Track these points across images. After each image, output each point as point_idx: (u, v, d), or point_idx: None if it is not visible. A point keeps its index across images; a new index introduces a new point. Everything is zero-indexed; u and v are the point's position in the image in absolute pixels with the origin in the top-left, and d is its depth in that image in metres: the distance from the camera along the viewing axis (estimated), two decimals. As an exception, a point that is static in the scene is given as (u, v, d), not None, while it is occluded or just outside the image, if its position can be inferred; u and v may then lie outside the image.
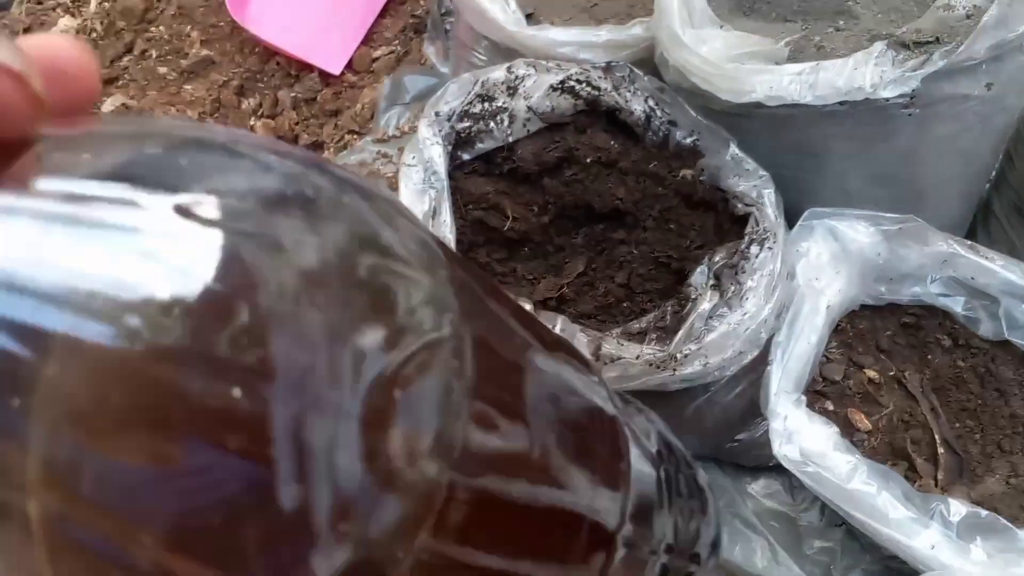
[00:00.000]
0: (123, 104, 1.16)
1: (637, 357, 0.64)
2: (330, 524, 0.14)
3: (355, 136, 1.11)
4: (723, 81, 0.71)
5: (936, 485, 0.71)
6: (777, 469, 0.74)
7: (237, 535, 0.13)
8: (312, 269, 0.15)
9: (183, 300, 0.13)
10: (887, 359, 0.79)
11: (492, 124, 0.82)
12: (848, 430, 0.74)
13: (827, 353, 0.77)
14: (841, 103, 0.68)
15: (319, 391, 0.14)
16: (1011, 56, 0.70)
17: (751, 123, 0.75)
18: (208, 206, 0.14)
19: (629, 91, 0.81)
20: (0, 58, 0.15)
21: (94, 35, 1.22)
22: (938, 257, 0.76)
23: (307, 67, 1.17)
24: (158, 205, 0.14)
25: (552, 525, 0.20)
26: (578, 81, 0.81)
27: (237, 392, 0.13)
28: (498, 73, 0.81)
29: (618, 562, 0.23)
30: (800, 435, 0.66)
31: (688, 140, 0.79)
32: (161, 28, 1.22)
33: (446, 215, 0.75)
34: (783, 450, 0.66)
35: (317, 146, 1.15)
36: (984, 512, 0.65)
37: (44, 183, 0.15)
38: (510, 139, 0.82)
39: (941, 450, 0.73)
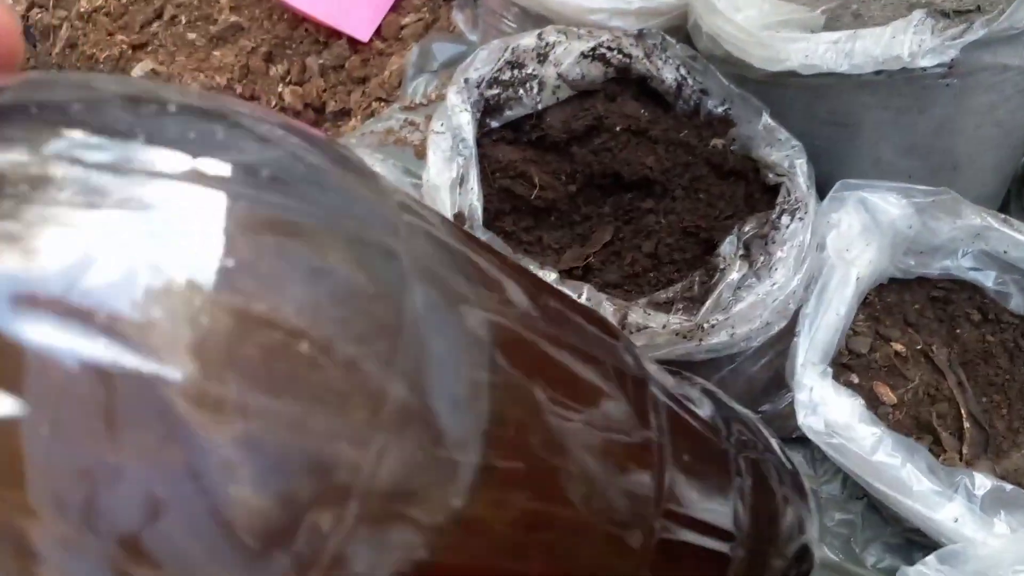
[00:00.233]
0: (152, 70, 1.17)
1: (664, 327, 0.65)
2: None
3: (382, 104, 1.11)
4: (757, 49, 0.71)
5: (961, 459, 0.71)
6: (798, 441, 0.74)
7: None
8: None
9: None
10: (914, 332, 0.78)
11: (521, 91, 0.82)
12: (873, 403, 0.74)
13: (854, 326, 0.77)
14: (877, 72, 0.67)
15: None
16: (1054, 25, 0.69)
17: (784, 92, 0.74)
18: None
19: (661, 59, 0.80)
20: None
21: (124, 0, 1.22)
22: (970, 230, 0.75)
23: (335, 34, 1.17)
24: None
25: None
26: (609, 48, 0.80)
27: None
28: (528, 40, 0.81)
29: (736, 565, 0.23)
30: (825, 407, 0.66)
31: (720, 109, 0.78)
32: (191, -7, 1.22)
33: (473, 183, 0.75)
34: (808, 421, 0.67)
35: (344, 113, 1.15)
36: (1009, 486, 0.65)
37: None
38: (539, 107, 0.82)
39: (967, 424, 0.73)
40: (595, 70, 0.81)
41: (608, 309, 0.66)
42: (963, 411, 0.74)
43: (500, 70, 0.81)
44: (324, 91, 1.15)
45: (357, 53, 1.16)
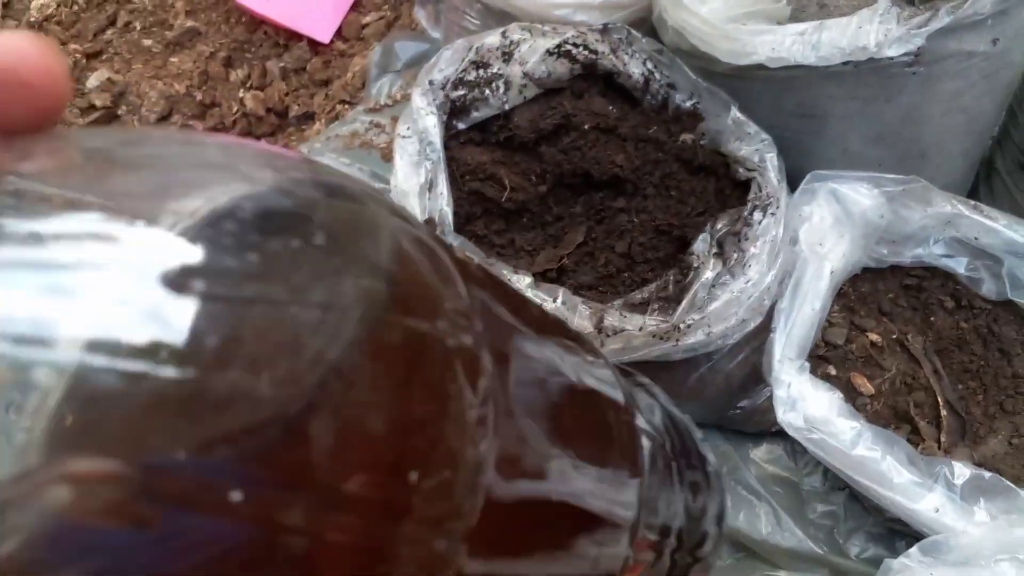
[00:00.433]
0: (108, 79, 1.14)
1: (640, 329, 0.64)
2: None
3: (346, 106, 1.09)
4: (723, 42, 0.70)
5: (939, 447, 0.72)
6: (779, 435, 0.74)
7: None
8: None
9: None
10: (889, 322, 0.78)
11: (487, 91, 0.80)
12: (851, 394, 0.74)
13: (830, 317, 0.77)
14: (845, 63, 0.67)
15: None
16: (1017, 10, 0.69)
17: (752, 85, 0.73)
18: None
19: (627, 54, 0.79)
20: None
21: (75, 7, 1.19)
22: (941, 218, 0.75)
23: (295, 36, 1.15)
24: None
25: (567, 529, 0.20)
26: (574, 45, 0.79)
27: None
28: (492, 38, 0.80)
29: (639, 553, 0.23)
30: (804, 402, 0.66)
31: (688, 103, 0.78)
32: (144, -2, 1.19)
33: (442, 187, 0.73)
34: (787, 417, 0.66)
35: (308, 117, 1.12)
36: (987, 474, 0.65)
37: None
38: (506, 106, 0.81)
39: (944, 412, 0.73)
40: (561, 67, 0.80)
41: (584, 312, 0.65)
42: (940, 399, 0.74)
43: (465, 70, 0.80)
44: (286, 95, 1.13)
45: (318, 55, 1.14)
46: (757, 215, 0.67)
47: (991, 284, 0.78)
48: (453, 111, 0.80)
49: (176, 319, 0.12)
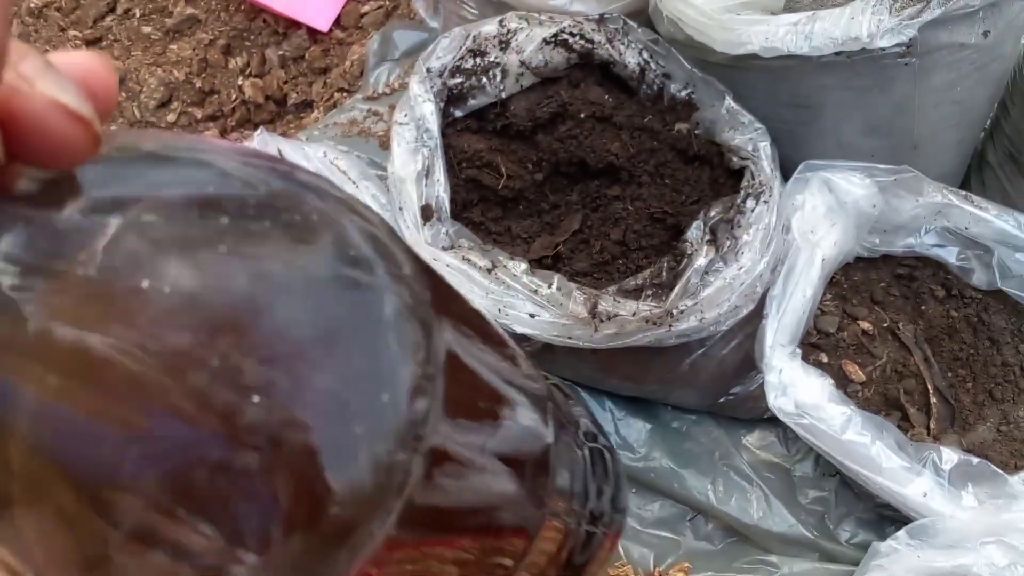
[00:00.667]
0: (107, 65, 1.14)
1: (633, 314, 0.65)
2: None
3: (345, 94, 1.09)
4: (718, 32, 0.70)
5: (929, 434, 0.73)
6: (771, 421, 0.75)
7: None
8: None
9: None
10: (881, 310, 0.79)
11: (484, 80, 0.81)
12: (842, 381, 0.74)
13: (821, 305, 0.77)
14: (837, 54, 0.68)
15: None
16: (1008, 3, 0.70)
17: (746, 75, 0.74)
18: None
19: (623, 43, 0.79)
20: (63, 99, 0.15)
21: (75, -7, 1.19)
22: (932, 208, 0.76)
23: (295, 24, 1.15)
24: None
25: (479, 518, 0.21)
26: (571, 34, 0.79)
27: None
28: (490, 27, 0.80)
29: (543, 537, 0.24)
30: (795, 388, 0.67)
31: (683, 93, 0.78)
32: (143, -15, 1.19)
33: (439, 174, 0.74)
34: (778, 403, 0.67)
35: (306, 105, 1.13)
36: (975, 460, 0.66)
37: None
38: (503, 95, 0.81)
39: (934, 399, 0.74)
40: (558, 56, 0.80)
41: (579, 298, 0.66)
42: (930, 386, 0.75)
43: (462, 58, 0.80)
44: (285, 83, 1.14)
45: (317, 43, 1.15)
46: (750, 203, 0.68)
47: (981, 273, 0.78)
48: (450, 99, 0.81)
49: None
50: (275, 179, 0.18)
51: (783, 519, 0.75)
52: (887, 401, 0.75)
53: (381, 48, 1.07)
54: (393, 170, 0.75)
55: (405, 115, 0.77)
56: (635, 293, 0.68)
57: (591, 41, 0.79)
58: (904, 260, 0.81)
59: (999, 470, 0.65)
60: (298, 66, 1.14)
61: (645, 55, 0.79)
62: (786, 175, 0.75)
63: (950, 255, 0.79)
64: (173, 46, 1.16)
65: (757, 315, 0.71)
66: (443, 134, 0.79)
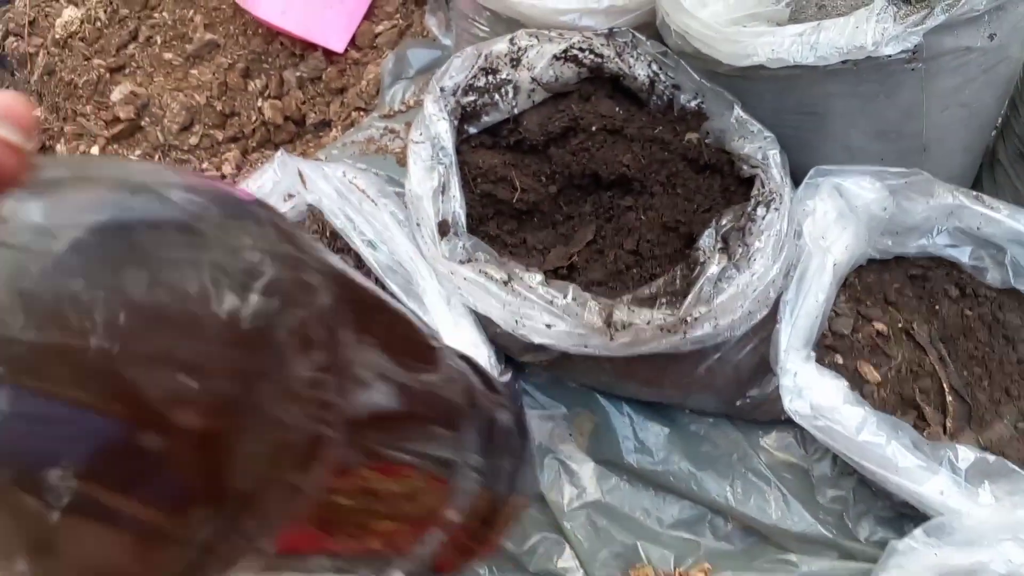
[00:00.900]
0: (131, 92, 1.18)
1: (648, 322, 0.66)
2: None
3: (362, 113, 1.12)
4: (724, 44, 0.72)
5: (945, 432, 0.73)
6: (789, 423, 0.76)
7: None
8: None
9: None
10: (895, 311, 0.80)
11: (497, 96, 0.83)
12: (858, 382, 0.75)
13: (836, 308, 0.78)
14: (843, 62, 0.69)
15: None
16: (1013, 5, 0.70)
17: (754, 85, 0.75)
18: None
19: (632, 57, 0.81)
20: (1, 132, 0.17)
21: (98, 23, 1.23)
22: (944, 209, 0.77)
23: (311, 46, 1.18)
24: None
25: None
26: (581, 49, 0.81)
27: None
28: (501, 45, 0.82)
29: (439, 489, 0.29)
30: (810, 390, 0.68)
31: (692, 104, 0.80)
32: (164, 14, 1.22)
33: (455, 190, 0.76)
34: (794, 405, 0.68)
35: (325, 124, 1.16)
36: (992, 457, 0.67)
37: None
38: (515, 111, 0.83)
39: (950, 398, 0.75)
40: (568, 71, 0.82)
41: (594, 308, 0.68)
42: (945, 385, 0.76)
43: (475, 77, 0.82)
44: (303, 103, 1.16)
45: (333, 64, 1.17)
46: (761, 211, 0.70)
47: (995, 272, 0.79)
48: (464, 116, 0.83)
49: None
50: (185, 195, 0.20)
51: (802, 518, 0.76)
52: (903, 401, 0.76)
53: (396, 67, 1.09)
54: (410, 187, 0.77)
55: (420, 134, 0.79)
56: (649, 301, 0.70)
57: (601, 55, 0.81)
58: (917, 261, 0.82)
59: (1016, 467, 0.66)
60: (315, 87, 1.17)
61: (654, 67, 0.81)
62: (796, 181, 0.76)
63: (963, 255, 0.80)
64: (194, 71, 1.19)
65: (771, 319, 0.72)
66: (458, 151, 0.81)
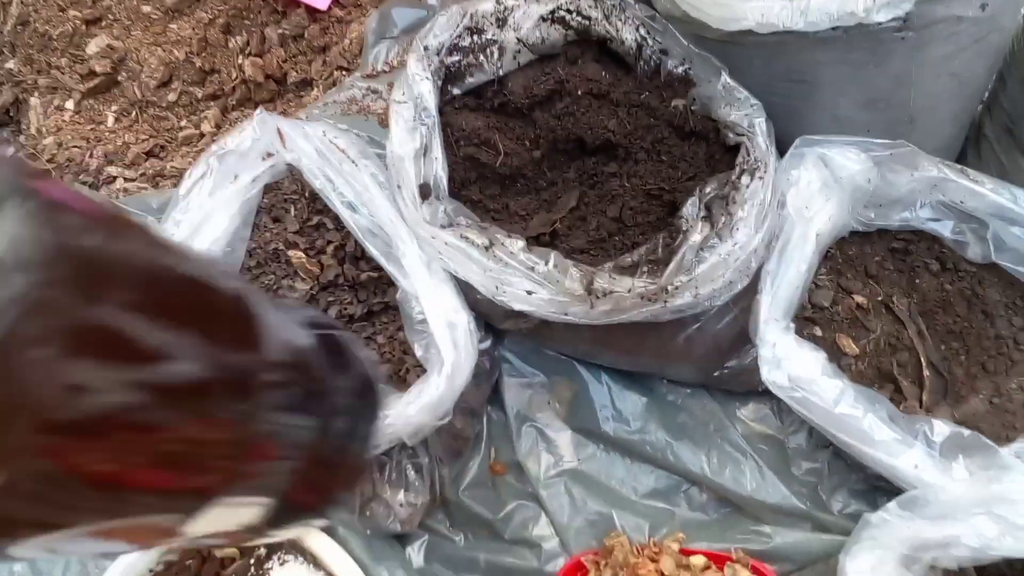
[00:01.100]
0: (108, 45, 1.14)
1: (629, 290, 0.65)
2: None
3: (344, 72, 1.09)
4: (713, 8, 0.70)
5: (921, 406, 0.73)
6: (766, 394, 0.76)
7: None
8: None
9: None
10: (875, 284, 0.80)
11: (482, 57, 0.81)
12: (836, 355, 0.75)
13: (816, 280, 0.78)
14: (833, 28, 0.67)
15: None
16: (1006, -25, 0.69)
17: (743, 51, 0.74)
18: None
19: (620, 20, 0.79)
20: None
21: (74, -27, 1.19)
22: (928, 182, 0.76)
23: (294, 2, 1.15)
24: None
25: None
26: (568, 11, 0.79)
27: None
28: (487, 4, 0.80)
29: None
30: (788, 361, 0.68)
31: (680, 69, 0.78)
32: (142, -36, 1.19)
33: (437, 152, 0.75)
34: (772, 376, 0.68)
35: (306, 83, 1.13)
36: (967, 432, 0.67)
37: None
38: (500, 72, 0.82)
39: (927, 372, 0.75)
40: (555, 33, 0.81)
41: (575, 275, 0.67)
42: (923, 359, 0.76)
43: (460, 36, 0.80)
44: (284, 61, 1.14)
45: (316, 21, 1.15)
46: (745, 179, 0.69)
47: (976, 247, 0.79)
48: (448, 77, 0.81)
49: None
50: None
51: (776, 490, 0.77)
52: (880, 374, 0.76)
53: (380, 26, 1.07)
54: (391, 148, 0.75)
55: (403, 93, 0.77)
56: (631, 270, 0.69)
57: (588, 18, 0.79)
58: (899, 234, 0.81)
59: (990, 442, 0.66)
60: (298, 44, 1.14)
61: (642, 31, 0.79)
62: (783, 149, 0.75)
63: (945, 229, 0.80)
64: (173, 25, 1.16)
65: (752, 290, 0.72)
66: (441, 112, 0.79)
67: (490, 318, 0.81)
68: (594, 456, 0.82)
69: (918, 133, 0.77)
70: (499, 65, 0.81)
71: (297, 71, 1.12)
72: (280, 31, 1.14)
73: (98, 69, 1.13)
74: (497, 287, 0.69)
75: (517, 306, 0.69)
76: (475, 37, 0.81)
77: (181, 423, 0.27)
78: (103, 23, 1.18)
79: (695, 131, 0.77)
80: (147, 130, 1.13)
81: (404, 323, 0.76)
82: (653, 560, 0.72)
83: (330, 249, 0.81)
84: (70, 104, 1.15)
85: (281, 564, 0.79)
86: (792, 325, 0.70)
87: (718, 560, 0.72)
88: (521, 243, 0.70)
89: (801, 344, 0.69)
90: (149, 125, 1.13)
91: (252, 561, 0.80)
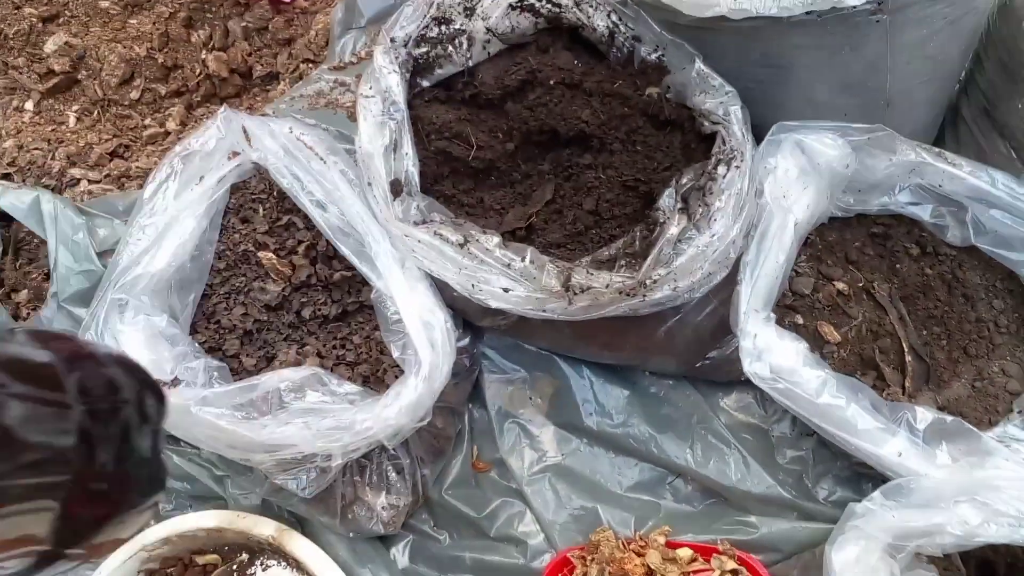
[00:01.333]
0: (66, 43, 1.11)
1: (607, 286, 0.64)
2: None
3: (311, 65, 1.07)
4: (686, -6, 0.69)
5: (904, 392, 0.73)
6: (748, 383, 0.75)
7: None
8: None
9: None
10: (856, 270, 0.79)
11: (450, 48, 0.79)
12: (818, 342, 0.75)
13: (796, 267, 0.77)
14: (807, 13, 0.66)
15: None
16: (981, -46, 0.68)
17: (716, 37, 0.72)
18: None
19: (591, 6, 0.78)
20: None
21: (28, -33, 1.15)
22: (906, 166, 0.76)
23: (257, -8, 1.12)
24: None
25: None
26: (537, -2, 0.77)
27: None
28: (454, -6, 0.78)
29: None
30: (770, 352, 0.67)
31: (653, 56, 0.77)
32: (98, -43, 1.15)
33: (407, 147, 0.73)
34: (753, 368, 0.67)
35: (272, 77, 1.10)
36: (949, 418, 0.66)
37: None
38: (470, 63, 0.80)
39: (909, 358, 0.75)
40: (525, 21, 0.79)
41: (552, 271, 0.66)
42: (905, 345, 0.75)
43: (427, 27, 0.78)
44: (249, 55, 1.11)
45: (280, 13, 1.12)
46: (722, 169, 0.67)
47: (956, 230, 0.78)
48: (416, 69, 0.79)
49: None
50: None
51: (761, 480, 0.76)
52: (863, 361, 0.75)
53: (346, 16, 1.04)
54: (360, 144, 0.73)
55: (370, 87, 0.75)
56: (608, 264, 0.68)
57: (558, 5, 0.78)
58: (879, 219, 0.81)
59: (973, 427, 0.66)
60: (262, 37, 1.11)
61: (614, 18, 0.77)
62: (759, 135, 0.74)
63: (924, 212, 0.79)
64: (133, 20, 1.12)
65: (732, 280, 0.71)
66: (410, 105, 0.77)
67: (468, 315, 0.79)
68: (578, 451, 0.81)
69: (895, 117, 0.76)
70: (468, 56, 0.80)
71: (262, 65, 1.09)
72: (244, 24, 1.11)
73: (57, 68, 1.10)
74: (473, 285, 0.68)
75: (494, 304, 0.68)
76: (443, 27, 0.79)
77: None
78: (60, 20, 1.14)
79: (670, 120, 0.75)
80: (110, 129, 1.09)
81: (380, 323, 0.74)
82: (639, 554, 0.72)
83: (301, 249, 0.79)
84: (29, 105, 1.11)
85: (264, 569, 0.78)
86: (773, 315, 0.69)
87: (705, 552, 0.72)
88: (496, 239, 0.69)
89: (782, 334, 0.68)
90: (112, 124, 1.09)
91: (235, 567, 0.78)
